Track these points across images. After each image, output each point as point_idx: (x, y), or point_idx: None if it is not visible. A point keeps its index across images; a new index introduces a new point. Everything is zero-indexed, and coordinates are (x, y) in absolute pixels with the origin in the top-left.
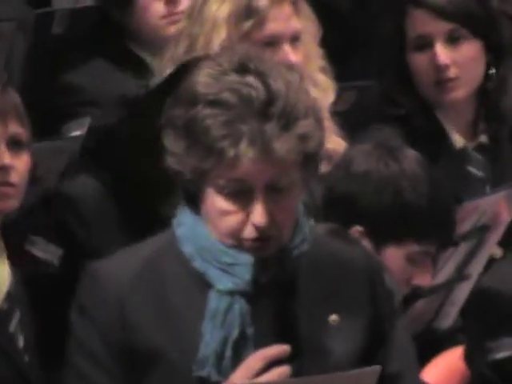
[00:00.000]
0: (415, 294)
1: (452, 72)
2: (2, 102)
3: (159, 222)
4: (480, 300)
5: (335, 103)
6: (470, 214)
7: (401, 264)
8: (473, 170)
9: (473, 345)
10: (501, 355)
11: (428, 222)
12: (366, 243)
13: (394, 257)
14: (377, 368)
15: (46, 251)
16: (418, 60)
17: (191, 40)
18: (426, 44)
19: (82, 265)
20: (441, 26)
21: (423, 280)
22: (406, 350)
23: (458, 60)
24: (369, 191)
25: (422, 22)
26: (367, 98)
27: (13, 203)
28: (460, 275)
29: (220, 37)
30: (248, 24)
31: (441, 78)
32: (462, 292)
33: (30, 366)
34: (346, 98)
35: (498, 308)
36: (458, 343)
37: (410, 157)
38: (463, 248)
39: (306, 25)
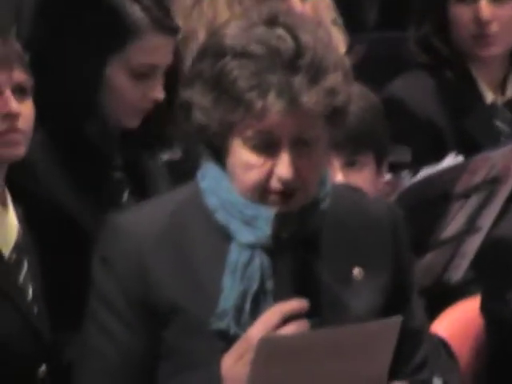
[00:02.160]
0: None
1: (492, 28)
2: (7, 50)
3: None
4: (496, 251)
5: (347, 56)
6: (480, 166)
7: None
8: (501, 125)
9: (490, 296)
10: None
11: None
12: None
13: None
14: (398, 319)
15: None
16: (461, 11)
17: None
18: None
19: None
20: None
21: None
22: (420, 304)
23: (500, 17)
24: None
25: None
26: (378, 51)
27: (21, 150)
28: (470, 228)
29: None
30: None
31: (480, 33)
32: (473, 245)
33: (39, 317)
34: (356, 51)
35: None
36: (469, 295)
37: None
38: (474, 200)
39: None
